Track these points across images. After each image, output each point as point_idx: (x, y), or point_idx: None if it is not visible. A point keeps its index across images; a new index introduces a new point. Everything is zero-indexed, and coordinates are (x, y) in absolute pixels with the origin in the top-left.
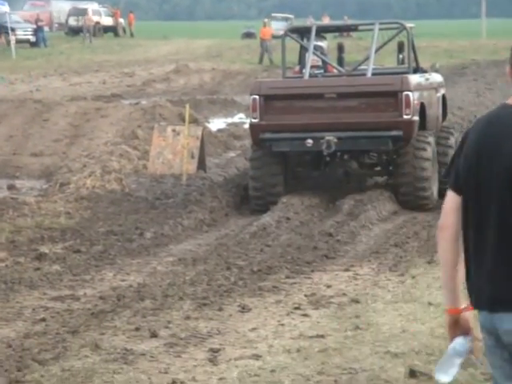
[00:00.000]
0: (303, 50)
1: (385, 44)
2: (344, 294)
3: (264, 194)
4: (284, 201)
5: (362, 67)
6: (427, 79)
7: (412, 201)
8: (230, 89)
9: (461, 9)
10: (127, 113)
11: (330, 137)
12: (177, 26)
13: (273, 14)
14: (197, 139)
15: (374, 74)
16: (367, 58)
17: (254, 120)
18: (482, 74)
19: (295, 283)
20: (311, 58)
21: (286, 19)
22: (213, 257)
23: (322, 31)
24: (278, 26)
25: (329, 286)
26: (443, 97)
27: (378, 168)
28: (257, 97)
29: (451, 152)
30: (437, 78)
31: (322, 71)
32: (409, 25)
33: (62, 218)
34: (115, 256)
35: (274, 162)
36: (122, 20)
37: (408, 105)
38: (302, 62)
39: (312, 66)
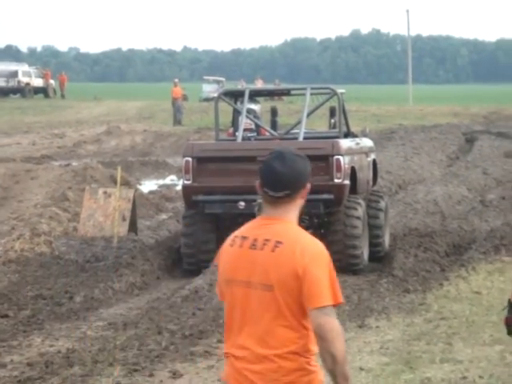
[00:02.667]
0: (236, 112)
1: (316, 109)
2: None
3: (196, 252)
4: (216, 263)
5: (295, 131)
6: (358, 144)
7: (342, 260)
8: (161, 150)
9: (388, 75)
10: (57, 174)
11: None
12: (108, 87)
13: (204, 77)
14: (128, 201)
15: (305, 138)
16: (299, 122)
17: (186, 182)
18: (410, 139)
19: None
20: (244, 121)
21: (218, 82)
22: (144, 321)
23: (255, 95)
24: (209, 89)
25: None
26: (374, 161)
27: (310, 230)
28: (189, 159)
29: (382, 215)
30: (367, 142)
31: (254, 134)
32: (339, 90)
33: None
34: (44, 321)
35: (207, 221)
36: (52, 81)
37: (339, 169)
38: (235, 124)
39: (245, 129)
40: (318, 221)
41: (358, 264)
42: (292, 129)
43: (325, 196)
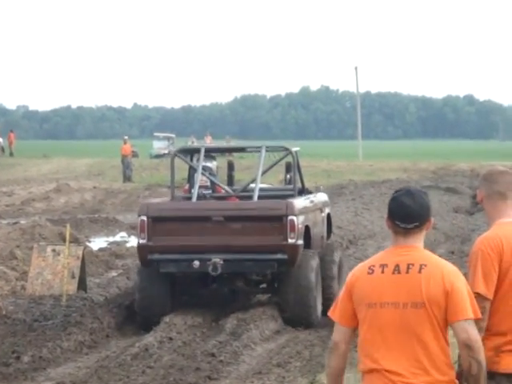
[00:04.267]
0: (192, 170)
1: (271, 167)
2: None
3: (150, 306)
4: (167, 320)
5: (251, 186)
6: (312, 201)
7: (297, 314)
8: (111, 207)
9: (338, 131)
10: (5, 233)
11: (217, 259)
12: (57, 145)
13: (155, 134)
14: (77, 259)
15: (261, 196)
16: (254, 179)
17: (141, 241)
18: (360, 194)
19: None
20: (200, 179)
21: (168, 138)
22: (93, 380)
23: (210, 152)
24: (159, 145)
25: None
26: (328, 215)
27: (264, 285)
28: (144, 218)
29: (335, 267)
30: (322, 197)
31: (210, 191)
32: (294, 148)
33: None
34: None
35: (161, 278)
36: (0, 139)
37: (293, 229)
38: (190, 181)
39: (201, 186)
40: (272, 277)
41: (311, 316)
42: (247, 186)
43: (279, 256)
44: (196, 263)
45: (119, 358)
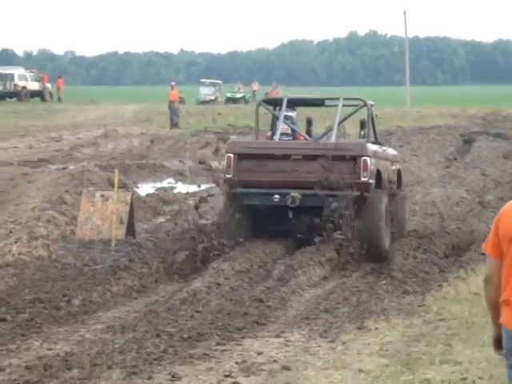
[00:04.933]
0: (274, 118)
1: (347, 117)
2: (275, 361)
3: (234, 237)
4: (214, 266)
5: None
6: (384, 150)
7: (367, 243)
8: (159, 153)
9: (386, 76)
10: (55, 178)
11: (295, 193)
12: (104, 90)
13: (201, 80)
14: (126, 204)
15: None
16: (331, 129)
17: (227, 176)
18: (408, 141)
19: (226, 350)
20: (281, 126)
21: (215, 84)
22: (142, 324)
23: (292, 103)
24: (206, 92)
25: (260, 353)
26: (398, 170)
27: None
28: (231, 155)
29: (405, 210)
30: (392, 151)
31: (290, 138)
32: (369, 102)
33: None
34: (42, 324)
35: (244, 211)
36: (49, 85)
37: (366, 168)
38: (272, 128)
39: (282, 133)
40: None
41: (379, 248)
42: (325, 134)
43: (352, 193)
44: (276, 197)
45: (168, 303)
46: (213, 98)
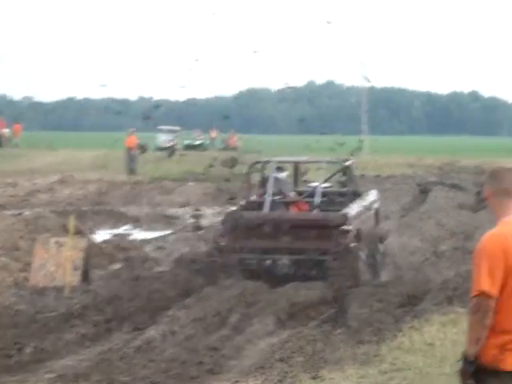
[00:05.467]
0: (264, 179)
1: (330, 177)
2: None
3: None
4: (170, 314)
5: (313, 185)
6: (364, 205)
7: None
8: (115, 200)
9: (343, 126)
10: (9, 224)
11: (285, 260)
12: (62, 136)
13: (159, 127)
14: (80, 251)
15: (323, 201)
16: (316, 186)
17: (222, 243)
18: (365, 190)
19: None
20: (271, 189)
21: (173, 131)
22: (95, 373)
23: (280, 163)
24: (164, 138)
25: None
26: (376, 211)
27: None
28: (228, 225)
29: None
30: (372, 196)
31: (279, 197)
32: (348, 162)
33: None
34: None
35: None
36: (7, 130)
37: (346, 235)
38: (263, 188)
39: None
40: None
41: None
42: (311, 192)
43: (335, 256)
44: (267, 262)
45: (121, 351)
46: (170, 144)
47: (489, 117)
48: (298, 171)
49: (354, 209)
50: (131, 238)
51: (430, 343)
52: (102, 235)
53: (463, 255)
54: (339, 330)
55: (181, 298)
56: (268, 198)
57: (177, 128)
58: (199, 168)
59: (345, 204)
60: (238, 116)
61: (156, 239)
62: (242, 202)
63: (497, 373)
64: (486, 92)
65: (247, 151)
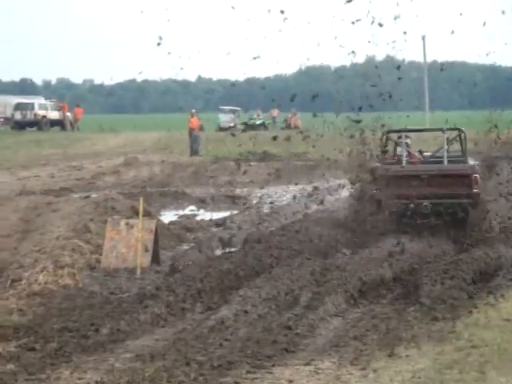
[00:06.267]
0: (396, 144)
1: (448, 143)
2: None
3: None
4: (241, 293)
5: (437, 154)
6: (478, 165)
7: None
8: (180, 181)
9: (405, 101)
10: (78, 207)
11: (426, 203)
12: (123, 119)
13: (220, 107)
14: (150, 232)
15: (448, 161)
16: (439, 150)
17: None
18: None
19: (256, 378)
20: (404, 152)
21: (234, 111)
22: (171, 352)
23: (407, 132)
24: (225, 119)
25: (291, 382)
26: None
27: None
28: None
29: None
30: (473, 161)
31: (408, 159)
32: (463, 129)
33: (15, 315)
34: (71, 353)
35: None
36: (69, 114)
37: (476, 183)
38: (394, 151)
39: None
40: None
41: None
42: (434, 154)
43: (467, 200)
44: (411, 206)
45: (196, 331)
46: (232, 124)
47: None
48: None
49: (476, 165)
50: (197, 218)
51: (507, 319)
52: (168, 216)
53: None
54: (412, 308)
55: (251, 277)
56: (405, 157)
57: (237, 108)
58: (261, 147)
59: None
60: (298, 94)
61: (222, 219)
62: (378, 163)
63: None
64: None
65: (308, 130)
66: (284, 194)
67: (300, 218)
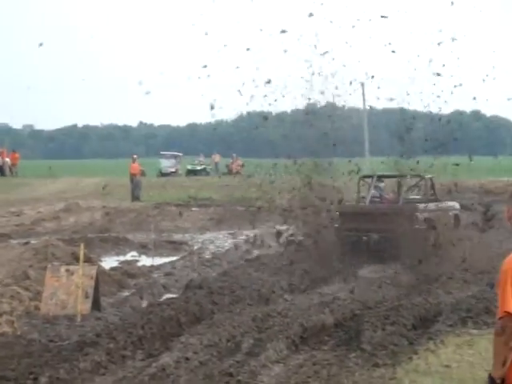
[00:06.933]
0: (369, 187)
1: (412, 187)
2: None
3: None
4: (182, 340)
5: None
6: (437, 205)
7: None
8: (121, 227)
9: (344, 148)
10: (18, 253)
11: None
12: (64, 164)
13: (162, 152)
14: (91, 278)
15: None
16: (400, 194)
17: (336, 224)
18: None
19: None
20: (372, 193)
21: (175, 157)
22: None
23: (380, 177)
24: (167, 164)
25: None
26: (456, 215)
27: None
28: (338, 213)
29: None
30: (451, 204)
31: (378, 199)
32: (428, 176)
33: None
34: None
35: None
36: (8, 159)
37: (417, 219)
38: (367, 193)
39: (373, 197)
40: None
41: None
42: (400, 197)
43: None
44: (364, 238)
45: (137, 379)
46: (174, 170)
47: (491, 136)
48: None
49: (424, 206)
50: (139, 264)
51: (447, 365)
52: (109, 262)
53: (473, 276)
54: (354, 354)
55: (192, 324)
56: (368, 198)
57: (179, 153)
58: (203, 193)
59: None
60: (237, 140)
61: (164, 265)
62: (353, 202)
63: None
64: (488, 111)
65: (250, 175)
66: (225, 239)
67: (242, 263)
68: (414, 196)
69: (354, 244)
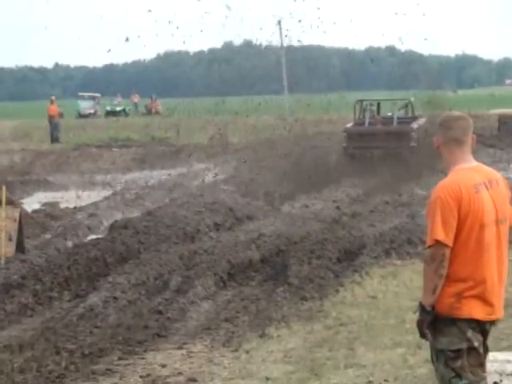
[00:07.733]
0: (364, 110)
1: (399, 109)
2: (180, 373)
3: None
4: (110, 280)
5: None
6: (419, 123)
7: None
8: (42, 169)
9: (262, 86)
10: None
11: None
12: None
13: (80, 94)
14: (14, 221)
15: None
16: (392, 115)
17: (344, 144)
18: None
19: (129, 364)
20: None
21: (94, 98)
22: (40, 342)
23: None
24: (85, 105)
25: (163, 366)
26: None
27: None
28: (345, 133)
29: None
30: (421, 121)
31: (372, 120)
32: (411, 98)
33: None
34: None
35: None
36: None
37: (413, 138)
38: (360, 115)
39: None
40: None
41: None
42: (389, 117)
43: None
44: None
45: (65, 319)
46: (92, 111)
47: (405, 71)
48: (379, 106)
49: (415, 125)
50: (62, 206)
51: (373, 296)
52: (31, 205)
53: (394, 208)
54: (281, 288)
55: (119, 263)
56: (367, 120)
57: (97, 94)
58: (123, 134)
59: (410, 123)
60: (157, 80)
61: (87, 207)
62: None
63: (453, 321)
64: (402, 46)
65: (169, 115)
66: (148, 179)
67: (166, 202)
68: (397, 116)
69: (360, 159)
